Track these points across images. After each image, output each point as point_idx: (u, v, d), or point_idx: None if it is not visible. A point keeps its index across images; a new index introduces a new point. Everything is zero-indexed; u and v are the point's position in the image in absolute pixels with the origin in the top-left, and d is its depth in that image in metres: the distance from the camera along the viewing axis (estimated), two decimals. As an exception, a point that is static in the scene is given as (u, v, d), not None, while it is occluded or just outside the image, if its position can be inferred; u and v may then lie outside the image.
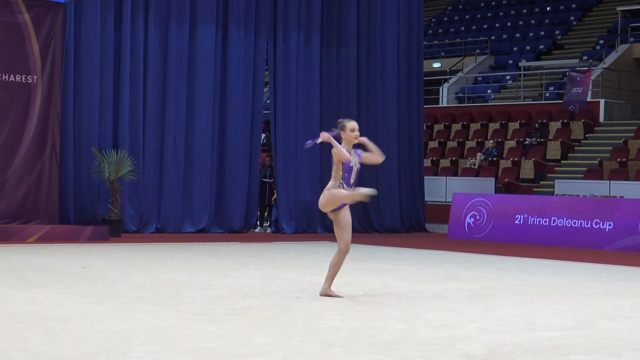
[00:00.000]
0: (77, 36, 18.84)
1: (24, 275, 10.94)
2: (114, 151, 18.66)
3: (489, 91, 32.90)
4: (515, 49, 34.85)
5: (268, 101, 23.63)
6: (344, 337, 7.20)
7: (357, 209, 22.86)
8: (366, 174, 22.98)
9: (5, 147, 17.77)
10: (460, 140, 28.79)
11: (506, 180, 24.99)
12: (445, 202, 24.20)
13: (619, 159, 24.23)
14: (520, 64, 33.06)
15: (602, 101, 27.62)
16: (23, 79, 17.95)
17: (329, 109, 22.50)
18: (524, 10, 37.33)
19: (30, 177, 17.78)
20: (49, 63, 18.22)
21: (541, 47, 34.12)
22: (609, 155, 24.89)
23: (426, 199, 24.59)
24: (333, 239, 20.01)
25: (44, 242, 16.64)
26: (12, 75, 17.86)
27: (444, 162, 27.63)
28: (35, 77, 18.03)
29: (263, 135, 22.72)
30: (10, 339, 6.69)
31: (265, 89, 23.23)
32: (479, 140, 28.20)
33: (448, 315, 8.66)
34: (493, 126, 28.72)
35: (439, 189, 25.33)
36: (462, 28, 37.93)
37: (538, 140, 26.76)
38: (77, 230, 17.42)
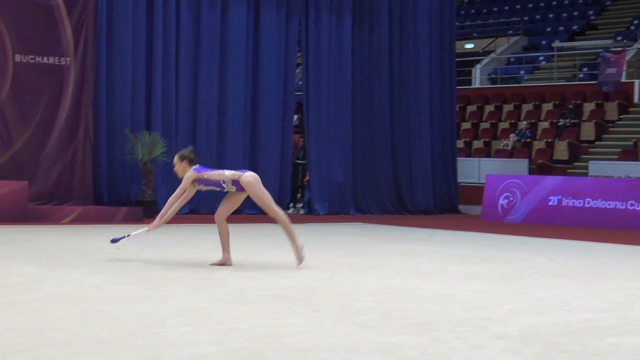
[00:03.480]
0: (109, 18, 18.88)
1: (58, 256, 11.00)
2: (147, 133, 18.71)
3: (522, 72, 32.69)
4: (549, 29, 34.60)
5: (300, 82, 23.60)
6: (377, 318, 7.19)
7: (390, 189, 22.84)
8: (400, 156, 22.97)
9: (39, 129, 17.86)
10: (493, 121, 28.65)
11: (540, 161, 24.85)
12: (479, 183, 24.10)
13: (654, 140, 24.05)
14: (554, 45, 32.83)
15: (636, 82, 27.38)
16: (56, 61, 18.02)
17: (360, 90, 22.45)
18: (558, -10, 37.04)
19: (64, 159, 17.87)
20: (81, 45, 18.28)
21: (575, 27, 33.86)
22: (643, 136, 24.71)
23: (459, 180, 24.50)
24: (366, 220, 20.08)
25: (78, 224, 16.73)
26: (45, 57, 17.94)
27: (477, 144, 27.51)
28: (68, 59, 18.09)
29: (295, 117, 22.72)
30: (45, 319, 6.73)
31: (297, 71, 23.19)
32: (512, 121, 28.05)
33: (481, 296, 8.62)
34: (526, 107, 28.55)
35: (472, 170, 25.23)
36: (495, 9, 37.69)
37: (572, 121, 26.58)
38: (111, 212, 17.51)
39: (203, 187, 10.58)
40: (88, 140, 18.24)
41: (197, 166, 10.45)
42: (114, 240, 10.76)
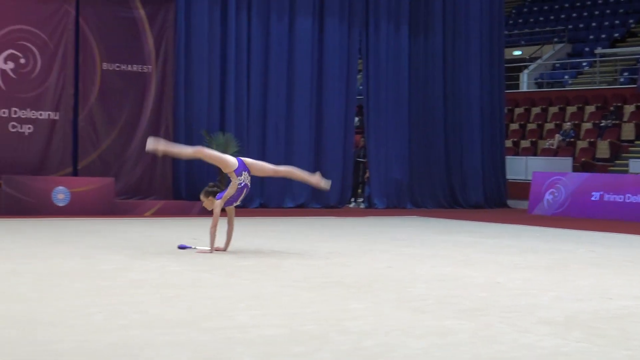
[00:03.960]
0: (187, 29, 19.03)
1: (141, 246, 11.12)
2: (221, 134, 18.82)
3: (566, 77, 32.33)
4: (591, 37, 34.16)
5: (361, 87, 23.57)
6: (431, 304, 7.17)
7: (444, 185, 22.75)
8: (452, 154, 22.86)
9: (125, 130, 18.07)
10: (539, 122, 28.39)
11: (583, 159, 24.58)
12: (526, 180, 23.88)
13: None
14: (596, 51, 32.41)
15: (674, 85, 26.94)
16: (139, 68, 18.20)
17: (416, 94, 22.38)
18: (600, 1, 36.55)
19: (146, 157, 18.02)
20: (162, 54, 18.45)
21: (616, 35, 33.40)
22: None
23: (507, 177, 24.31)
24: (421, 213, 19.99)
25: (159, 216, 16.89)
26: (129, 66, 18.13)
27: (524, 143, 27.29)
28: (150, 67, 18.27)
29: (356, 119, 22.70)
30: (129, 303, 6.81)
31: (358, 76, 23.17)
32: (557, 122, 27.77)
33: (527, 284, 8.55)
34: (570, 109, 28.25)
35: (520, 168, 25.04)
36: (541, 18, 37.32)
37: (613, 122, 26.23)
38: (189, 205, 17.64)
39: (238, 202, 10.56)
40: (168, 140, 18.35)
41: (218, 194, 10.45)
42: (181, 247, 10.82)
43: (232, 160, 10.57)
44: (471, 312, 6.82)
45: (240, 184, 10.46)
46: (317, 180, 10.80)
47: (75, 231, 13.07)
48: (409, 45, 22.29)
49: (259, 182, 20.14)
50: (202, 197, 10.58)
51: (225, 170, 10.66)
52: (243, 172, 10.49)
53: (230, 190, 10.44)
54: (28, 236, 12.08)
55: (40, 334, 5.58)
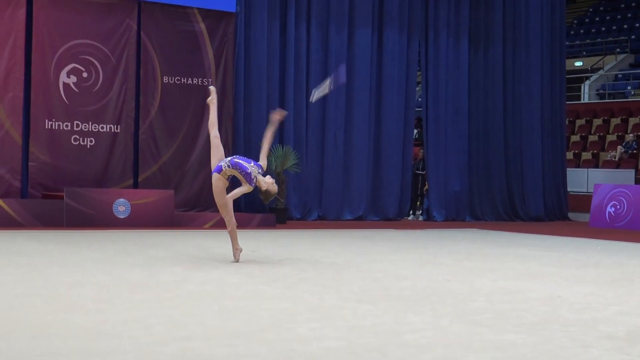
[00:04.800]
0: (246, 42, 19.16)
1: (200, 258, 11.20)
2: (280, 146, 18.91)
3: (629, 87, 31.93)
4: (655, 47, 33.76)
5: (420, 99, 23.53)
6: (491, 318, 7.12)
7: (504, 199, 22.60)
8: (512, 166, 22.70)
9: (184, 143, 18.22)
10: (601, 134, 28.09)
11: (646, 171, 24.27)
12: (587, 192, 23.65)
13: None
14: (660, 62, 32.03)
15: None
16: (199, 81, 18.36)
17: (476, 106, 22.29)
18: (663, 10, 36.12)
19: (205, 170, 18.08)
20: (222, 67, 18.59)
21: (679, 45, 32.97)
22: None
23: (568, 189, 24.08)
24: (480, 226, 19.86)
25: (218, 229, 16.95)
26: (189, 79, 18.30)
27: (586, 155, 27.01)
28: (210, 80, 18.41)
29: (415, 131, 22.67)
30: (189, 314, 6.86)
31: (417, 88, 23.14)
32: (619, 134, 27.44)
33: (589, 298, 8.46)
34: (633, 121, 27.90)
35: (581, 180, 24.79)
36: (603, 28, 36.93)
37: (677, 133, 25.88)
38: (248, 218, 17.71)
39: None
40: (227, 153, 18.48)
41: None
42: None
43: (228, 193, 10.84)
44: (532, 326, 6.76)
45: (248, 174, 10.61)
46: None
47: (135, 243, 13.20)
48: (469, 57, 22.22)
49: (317, 194, 20.20)
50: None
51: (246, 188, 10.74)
52: (225, 168, 10.64)
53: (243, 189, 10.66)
54: (90, 248, 12.23)
55: (101, 345, 5.65)
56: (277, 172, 18.58)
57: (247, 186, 10.63)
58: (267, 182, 10.65)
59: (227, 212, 10.79)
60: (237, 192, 10.72)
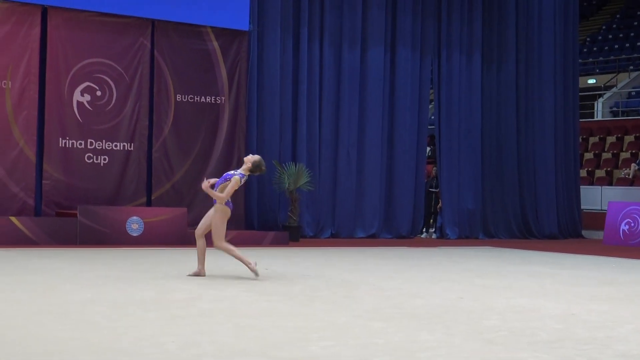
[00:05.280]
0: (259, 60, 19.20)
1: (214, 275, 11.19)
2: (293, 164, 18.92)
3: (642, 105, 31.87)
4: (668, 64, 33.67)
5: (432, 117, 23.53)
6: (504, 336, 7.09)
7: (517, 216, 22.54)
8: (526, 184, 22.65)
9: (198, 160, 18.25)
10: (614, 151, 28.01)
11: (660, 189, 24.17)
12: (601, 210, 23.57)
13: None
14: (673, 79, 31.93)
15: None
16: (212, 99, 18.41)
17: (489, 124, 22.28)
18: (677, 28, 36.05)
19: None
20: (235, 85, 18.63)
21: (693, 62, 32.87)
22: None
23: (582, 207, 24.01)
24: (494, 243, 19.80)
25: (231, 246, 16.95)
26: (203, 97, 18.35)
27: (599, 173, 26.93)
28: (223, 98, 18.46)
29: (428, 149, 22.66)
30: (201, 332, 6.85)
31: (429, 106, 23.15)
32: (633, 151, 27.35)
33: (604, 316, 8.41)
34: (647, 138, 27.84)
35: (595, 197, 24.71)
36: (616, 46, 36.88)
37: (691, 151, 25.77)
38: (261, 236, 17.71)
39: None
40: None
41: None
42: None
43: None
44: (546, 345, 6.73)
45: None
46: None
47: (148, 261, 13.21)
48: (481, 74, 22.22)
49: (330, 212, 20.19)
50: None
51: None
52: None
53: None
54: (103, 266, 12.25)
55: (114, 363, 5.65)
56: (290, 190, 18.59)
57: (231, 183, 11.03)
58: (247, 158, 11.22)
59: (221, 241, 11.16)
60: (229, 188, 11.07)
